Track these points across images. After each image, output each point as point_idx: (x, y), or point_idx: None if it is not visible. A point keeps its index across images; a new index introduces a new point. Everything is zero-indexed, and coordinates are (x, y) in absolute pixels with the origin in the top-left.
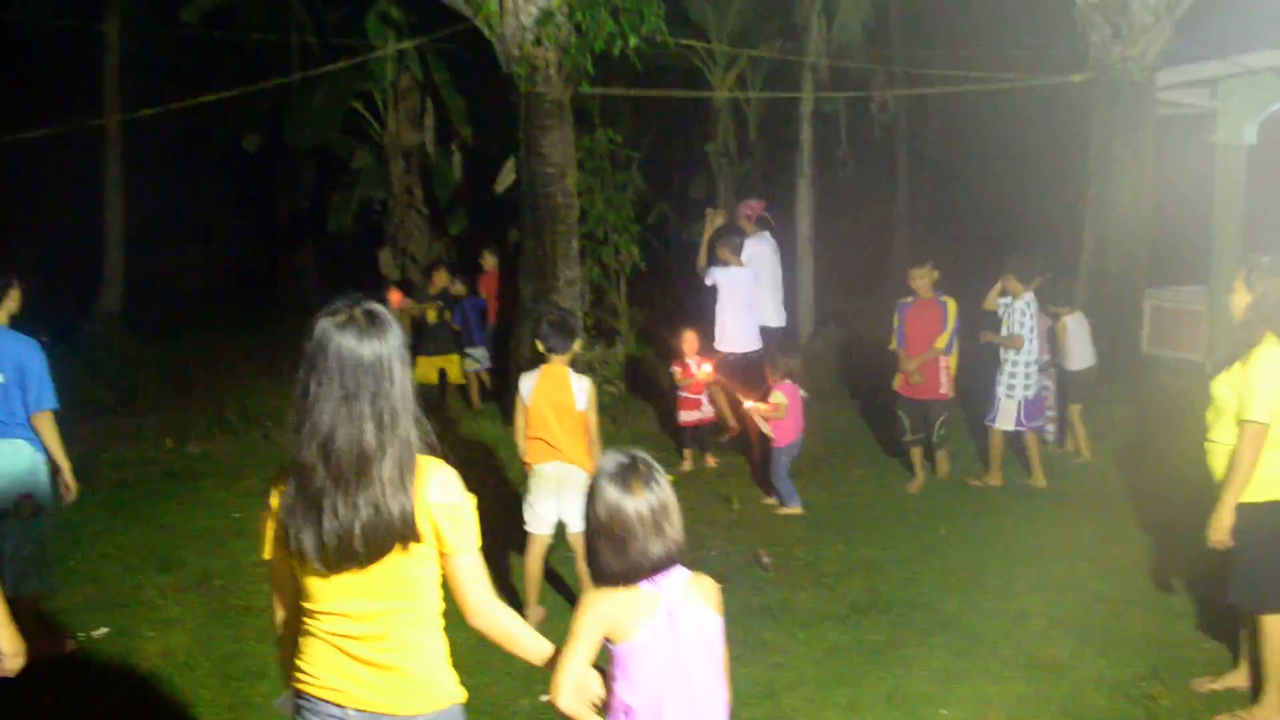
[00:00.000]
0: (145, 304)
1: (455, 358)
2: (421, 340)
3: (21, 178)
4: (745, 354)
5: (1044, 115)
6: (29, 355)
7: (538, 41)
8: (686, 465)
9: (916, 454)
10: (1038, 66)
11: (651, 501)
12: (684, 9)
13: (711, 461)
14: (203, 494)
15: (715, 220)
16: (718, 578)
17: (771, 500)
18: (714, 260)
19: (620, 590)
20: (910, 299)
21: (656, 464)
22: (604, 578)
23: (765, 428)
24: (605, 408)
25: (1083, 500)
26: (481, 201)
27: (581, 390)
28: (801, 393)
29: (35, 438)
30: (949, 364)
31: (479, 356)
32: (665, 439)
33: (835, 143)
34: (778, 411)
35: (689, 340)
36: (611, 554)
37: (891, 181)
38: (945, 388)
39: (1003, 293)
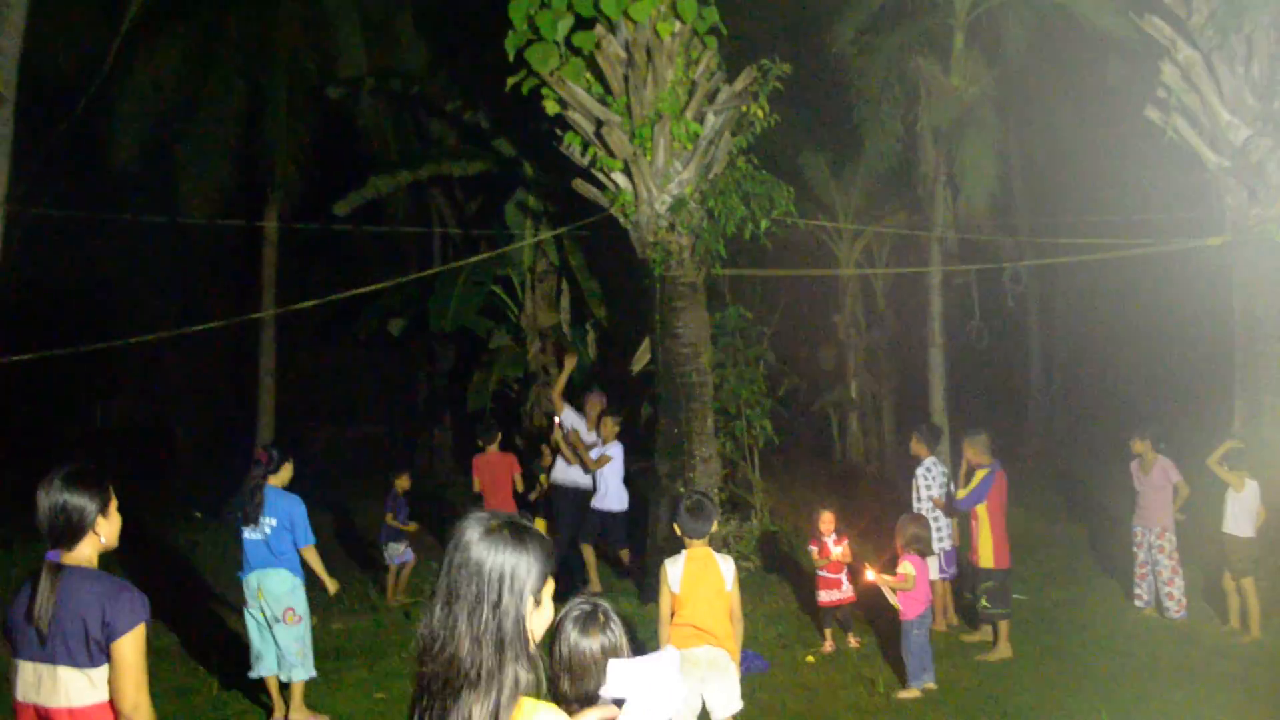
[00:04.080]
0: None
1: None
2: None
3: (185, 357)
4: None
5: (1180, 280)
6: (295, 507)
7: (671, 227)
8: (828, 646)
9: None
10: (1170, 230)
11: (604, 644)
12: (810, 186)
13: (854, 642)
14: (346, 674)
15: (570, 364)
16: None
17: (930, 686)
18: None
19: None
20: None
21: (614, 612)
22: (561, 702)
23: (893, 599)
24: (741, 584)
25: (1255, 684)
26: (615, 380)
27: (729, 571)
28: (928, 562)
29: (297, 567)
30: (979, 530)
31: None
32: (805, 618)
33: (966, 312)
34: (906, 583)
35: (825, 519)
36: (569, 685)
37: (1024, 351)
38: (975, 554)
39: (968, 469)
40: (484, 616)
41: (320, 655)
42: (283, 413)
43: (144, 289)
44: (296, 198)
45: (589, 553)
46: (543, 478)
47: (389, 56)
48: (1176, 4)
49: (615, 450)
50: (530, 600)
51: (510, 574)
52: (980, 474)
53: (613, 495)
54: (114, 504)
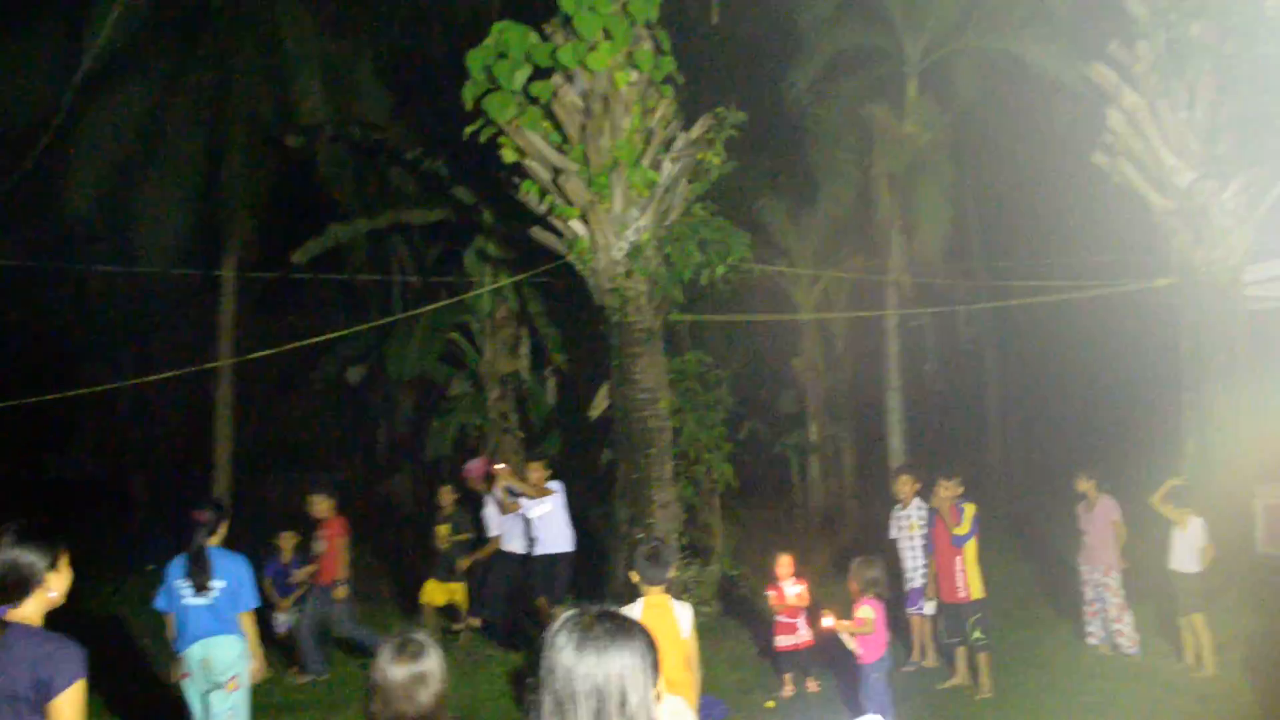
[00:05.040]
0: (250, 528)
1: (462, 586)
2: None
3: (140, 407)
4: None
5: (1130, 320)
6: (242, 568)
7: (628, 274)
8: (787, 690)
9: (960, 653)
10: (1120, 272)
11: (414, 672)
12: (768, 231)
13: (814, 685)
14: None
15: (505, 475)
16: None
17: None
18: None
19: None
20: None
21: (431, 644)
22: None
23: (851, 644)
24: (700, 630)
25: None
26: (574, 425)
27: (685, 617)
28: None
29: (241, 633)
30: (965, 565)
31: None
32: (764, 662)
33: (923, 355)
34: (865, 627)
35: (783, 563)
36: (377, 705)
37: (981, 392)
38: (964, 590)
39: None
40: None
41: (275, 710)
42: (240, 463)
43: (100, 339)
44: (255, 246)
45: (545, 606)
46: (441, 529)
47: (349, 104)
48: (1121, 51)
49: (556, 486)
50: (653, 694)
51: (629, 674)
52: (971, 508)
53: (557, 537)
54: (65, 559)
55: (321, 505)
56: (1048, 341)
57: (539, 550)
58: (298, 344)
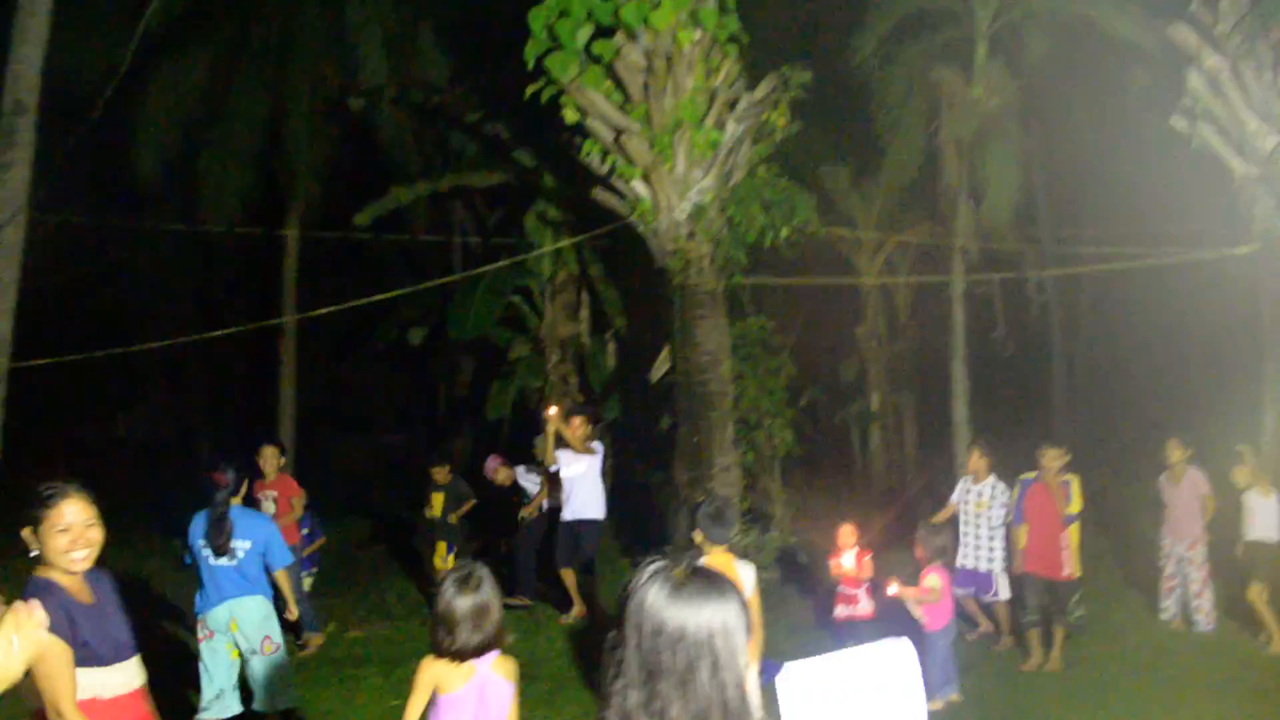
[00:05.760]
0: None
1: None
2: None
3: (207, 366)
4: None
5: (1208, 289)
6: (268, 527)
7: (691, 236)
8: None
9: (1033, 635)
10: (1197, 240)
11: (477, 602)
12: (831, 197)
13: None
14: (362, 680)
15: (555, 420)
16: None
17: (954, 698)
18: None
19: (447, 661)
20: (1033, 476)
21: (489, 575)
22: (438, 651)
23: (917, 612)
24: (761, 596)
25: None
26: (634, 389)
27: (748, 577)
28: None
29: (270, 591)
30: (1070, 542)
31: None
32: (821, 631)
33: (989, 323)
34: (931, 595)
35: (846, 533)
36: (445, 635)
37: (1047, 362)
38: (1068, 567)
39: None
40: (703, 689)
41: (337, 663)
42: (303, 423)
43: (165, 298)
44: (317, 208)
45: (569, 577)
46: (436, 497)
47: (410, 67)
48: (1202, 11)
49: (597, 448)
50: (744, 658)
51: (722, 632)
52: (1076, 481)
53: (588, 502)
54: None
55: (271, 462)
56: (1120, 310)
57: (567, 515)
58: (360, 302)
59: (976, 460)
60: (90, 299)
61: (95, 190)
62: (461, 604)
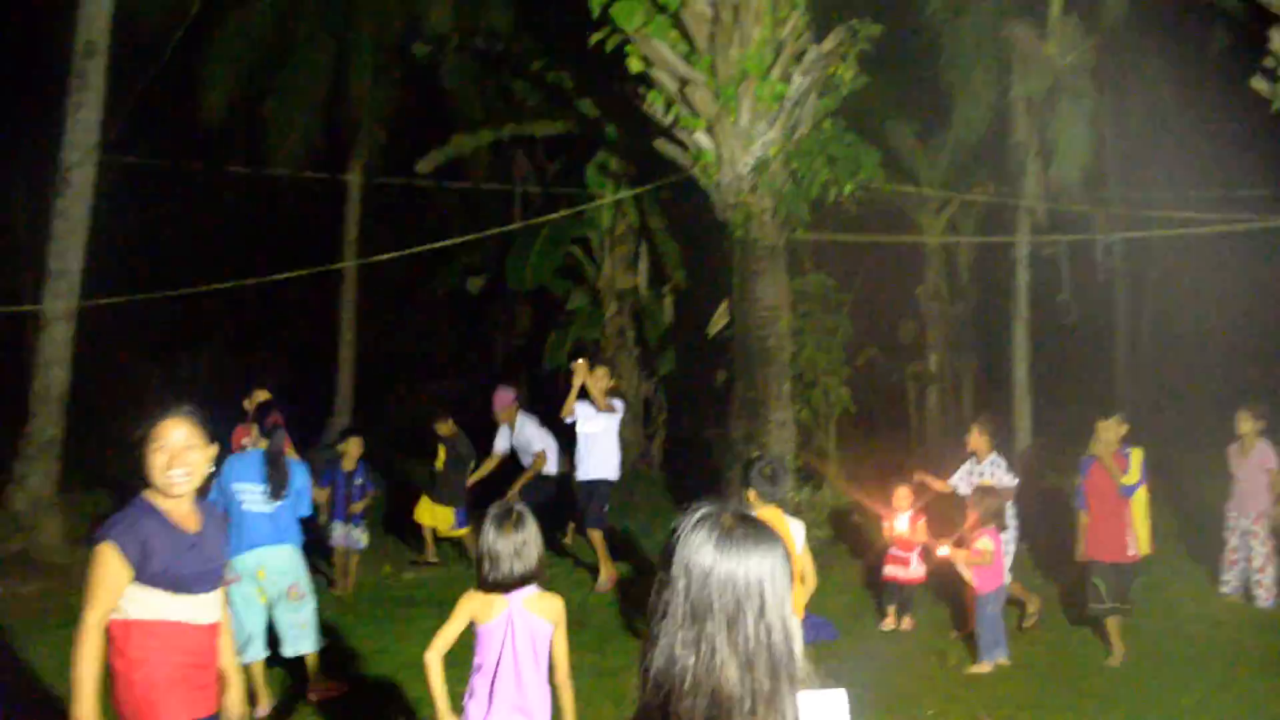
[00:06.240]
0: (367, 435)
1: (449, 513)
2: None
3: (269, 310)
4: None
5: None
6: (305, 475)
7: (753, 189)
8: (889, 622)
9: (1112, 624)
10: (1273, 207)
11: (516, 540)
12: (896, 155)
13: (908, 624)
14: (414, 621)
15: (582, 370)
16: None
17: (1003, 661)
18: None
19: (485, 593)
20: (1091, 455)
21: (529, 514)
22: (485, 587)
23: (967, 574)
24: (811, 555)
25: None
26: (691, 343)
27: (799, 533)
28: (1009, 536)
29: (300, 540)
30: (1133, 517)
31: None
32: (871, 591)
33: (1053, 286)
34: (983, 558)
35: (900, 495)
36: (488, 570)
37: (1110, 328)
38: (1134, 546)
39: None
40: (749, 633)
41: (391, 603)
42: (362, 368)
43: (230, 241)
44: (380, 155)
45: (598, 539)
46: (441, 450)
47: (475, 15)
48: None
49: (618, 405)
50: (789, 607)
51: (770, 578)
52: (1138, 453)
53: (603, 462)
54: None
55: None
56: (1189, 278)
57: (581, 475)
58: (420, 249)
59: (977, 438)
60: (156, 241)
61: (163, 134)
62: (498, 541)
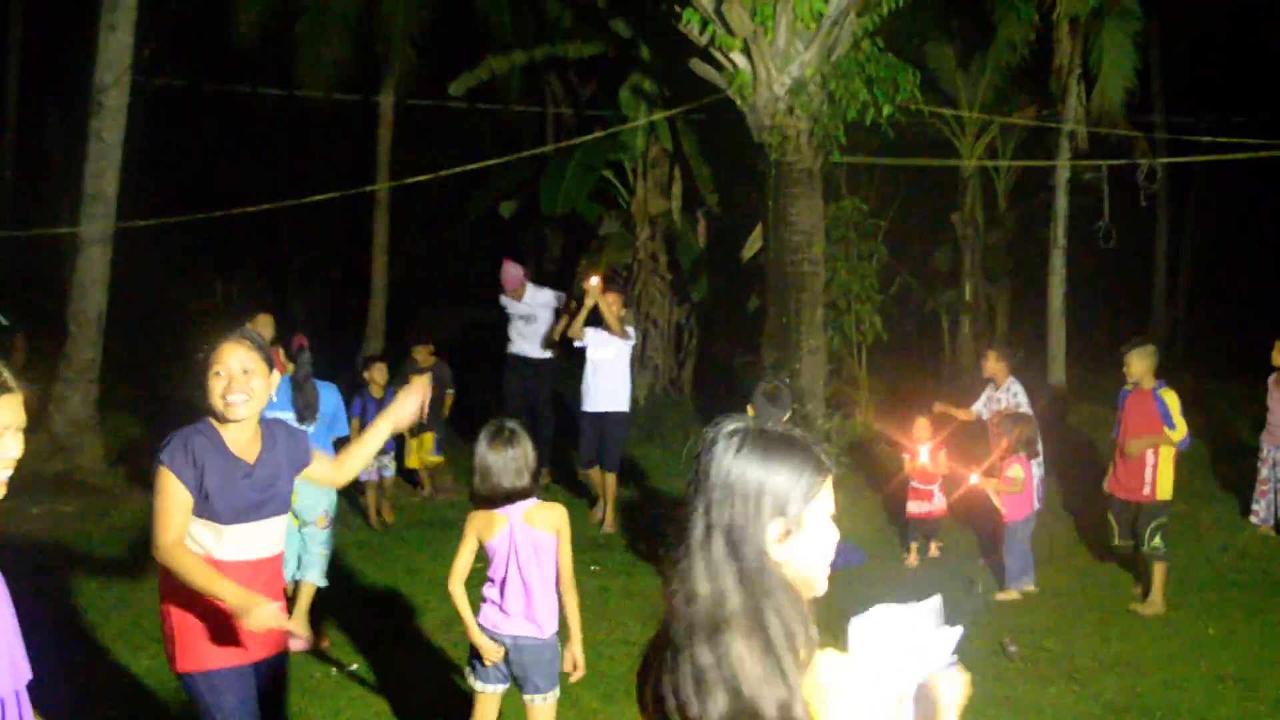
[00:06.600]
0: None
1: (430, 438)
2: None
3: (301, 235)
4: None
5: None
6: (338, 398)
7: (790, 111)
8: (911, 559)
9: (1159, 571)
10: None
11: (507, 456)
12: (935, 77)
13: (934, 550)
14: (450, 542)
15: (595, 292)
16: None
17: (1029, 589)
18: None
19: (484, 510)
20: (1131, 386)
21: (522, 431)
22: (477, 501)
23: (997, 502)
24: (838, 484)
25: None
26: (724, 268)
27: None
28: (1035, 465)
29: None
30: (1158, 460)
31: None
32: (891, 528)
33: (1091, 213)
34: (1013, 486)
35: (920, 427)
36: (479, 483)
37: (1149, 256)
38: (1150, 487)
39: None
40: (748, 537)
41: (425, 524)
42: (394, 293)
43: (262, 164)
44: (412, 77)
45: (597, 478)
46: (416, 380)
47: None
48: None
49: (633, 334)
50: (777, 526)
51: (755, 493)
52: (1174, 399)
53: (615, 393)
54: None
55: (266, 330)
56: (1231, 207)
57: (588, 406)
58: (452, 171)
59: (994, 364)
60: (189, 163)
61: (195, 55)
62: (489, 454)
